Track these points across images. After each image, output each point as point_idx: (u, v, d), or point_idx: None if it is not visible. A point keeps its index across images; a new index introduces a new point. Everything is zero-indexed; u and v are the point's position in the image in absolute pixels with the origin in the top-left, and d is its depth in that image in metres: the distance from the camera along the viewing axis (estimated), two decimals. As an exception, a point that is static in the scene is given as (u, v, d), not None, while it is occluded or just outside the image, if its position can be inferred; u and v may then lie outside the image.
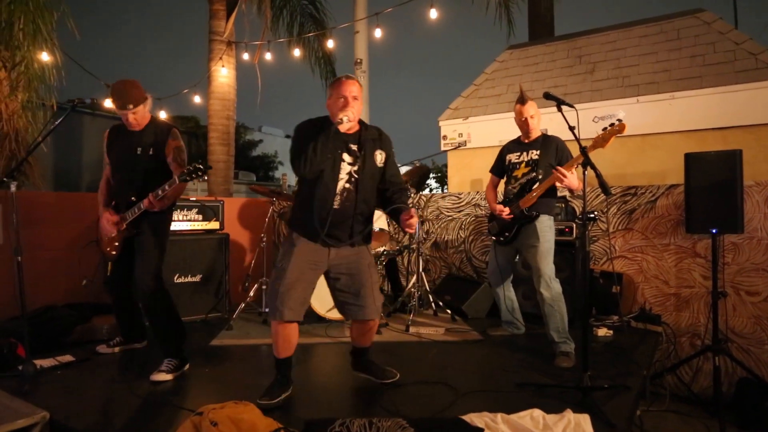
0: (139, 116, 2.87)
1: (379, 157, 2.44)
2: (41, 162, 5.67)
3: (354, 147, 2.37)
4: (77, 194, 4.14)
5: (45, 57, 5.21)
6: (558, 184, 3.04)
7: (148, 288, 2.79)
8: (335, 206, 2.32)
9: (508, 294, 3.58)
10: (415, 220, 2.33)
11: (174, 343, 2.83)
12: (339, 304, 2.56)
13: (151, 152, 2.87)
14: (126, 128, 2.94)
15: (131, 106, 2.79)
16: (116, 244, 2.93)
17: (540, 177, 3.15)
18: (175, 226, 4.09)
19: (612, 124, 2.74)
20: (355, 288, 2.44)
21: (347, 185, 2.35)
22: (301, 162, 2.21)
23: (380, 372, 2.63)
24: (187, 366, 2.85)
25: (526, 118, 3.24)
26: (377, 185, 2.49)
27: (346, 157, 2.35)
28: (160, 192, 2.69)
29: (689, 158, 3.40)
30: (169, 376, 2.68)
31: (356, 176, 2.36)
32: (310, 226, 2.33)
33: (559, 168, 2.91)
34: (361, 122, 2.42)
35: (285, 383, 2.42)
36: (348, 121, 2.25)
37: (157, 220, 2.89)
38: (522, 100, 3.25)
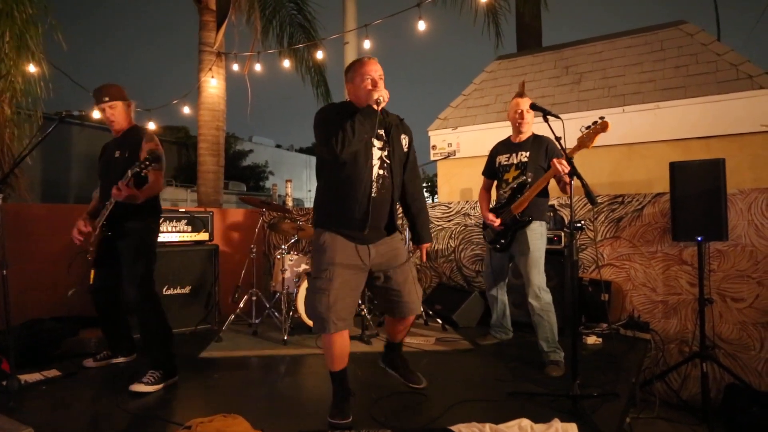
0: (117, 113, 2.91)
1: (404, 141, 2.38)
2: (28, 174, 5.61)
3: (381, 132, 2.27)
4: (65, 206, 4.10)
5: (31, 69, 5.18)
6: (559, 173, 2.88)
7: (135, 296, 2.77)
8: (373, 194, 2.19)
9: (501, 298, 3.59)
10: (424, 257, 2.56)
11: (161, 353, 2.79)
12: (383, 303, 2.49)
13: (126, 155, 2.86)
14: (114, 139, 3.00)
15: (107, 99, 2.86)
16: (92, 249, 2.89)
17: (530, 180, 3.13)
18: (164, 238, 4.09)
19: (595, 123, 2.75)
20: (397, 286, 2.33)
21: (381, 171, 2.24)
22: (338, 141, 2.05)
23: (408, 374, 2.56)
24: (174, 379, 2.81)
25: (521, 111, 3.21)
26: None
27: (375, 142, 2.25)
28: (130, 174, 2.63)
29: (674, 167, 3.45)
30: (149, 388, 2.63)
31: (388, 161, 2.27)
32: (350, 219, 2.20)
33: (556, 162, 2.85)
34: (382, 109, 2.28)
35: (348, 395, 2.32)
36: (383, 101, 2.13)
37: (138, 226, 2.84)
38: (520, 94, 3.27)
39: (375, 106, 2.11)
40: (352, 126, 2.07)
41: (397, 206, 2.42)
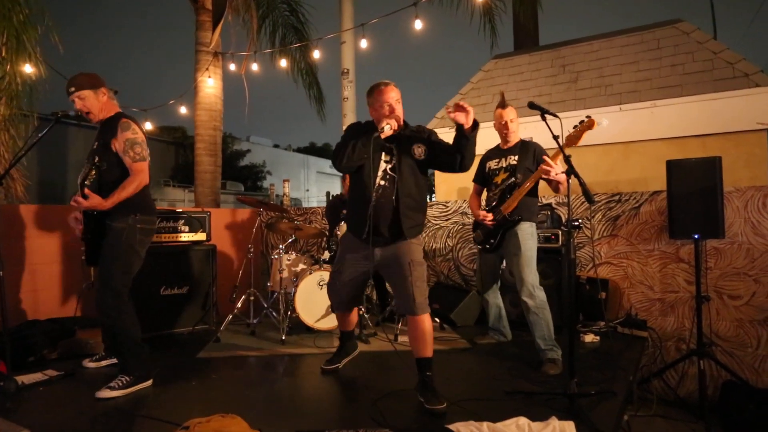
0: (88, 103, 2.73)
1: (418, 150, 2.58)
2: (25, 175, 5.59)
3: (390, 145, 2.56)
4: (61, 207, 4.07)
5: (28, 69, 5.16)
6: (546, 175, 2.91)
7: (103, 302, 2.68)
8: (373, 202, 2.50)
9: (495, 301, 3.60)
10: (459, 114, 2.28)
11: (130, 359, 2.72)
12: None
13: (102, 146, 2.71)
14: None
15: (73, 90, 2.70)
16: (82, 249, 2.80)
17: (519, 181, 3.18)
18: (161, 238, 4.08)
19: (581, 121, 2.78)
20: (395, 282, 2.60)
21: (382, 182, 2.54)
22: (338, 157, 2.51)
23: (429, 397, 2.40)
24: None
25: (506, 122, 3.29)
26: (426, 173, 2.69)
27: (383, 155, 2.56)
28: (78, 182, 2.50)
29: (671, 165, 3.46)
30: (114, 393, 2.58)
31: (391, 173, 2.55)
32: (356, 223, 2.60)
33: (546, 159, 2.91)
34: (404, 122, 2.59)
35: (345, 350, 3.05)
36: (390, 130, 2.46)
37: (119, 225, 2.67)
38: (502, 105, 3.32)
39: (380, 132, 2.43)
40: (354, 145, 2.46)
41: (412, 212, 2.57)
